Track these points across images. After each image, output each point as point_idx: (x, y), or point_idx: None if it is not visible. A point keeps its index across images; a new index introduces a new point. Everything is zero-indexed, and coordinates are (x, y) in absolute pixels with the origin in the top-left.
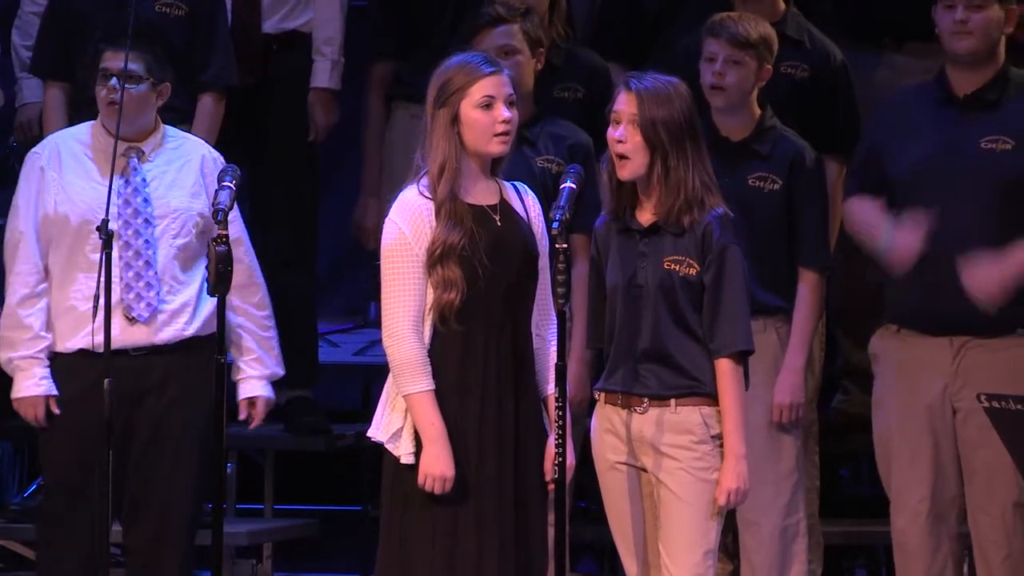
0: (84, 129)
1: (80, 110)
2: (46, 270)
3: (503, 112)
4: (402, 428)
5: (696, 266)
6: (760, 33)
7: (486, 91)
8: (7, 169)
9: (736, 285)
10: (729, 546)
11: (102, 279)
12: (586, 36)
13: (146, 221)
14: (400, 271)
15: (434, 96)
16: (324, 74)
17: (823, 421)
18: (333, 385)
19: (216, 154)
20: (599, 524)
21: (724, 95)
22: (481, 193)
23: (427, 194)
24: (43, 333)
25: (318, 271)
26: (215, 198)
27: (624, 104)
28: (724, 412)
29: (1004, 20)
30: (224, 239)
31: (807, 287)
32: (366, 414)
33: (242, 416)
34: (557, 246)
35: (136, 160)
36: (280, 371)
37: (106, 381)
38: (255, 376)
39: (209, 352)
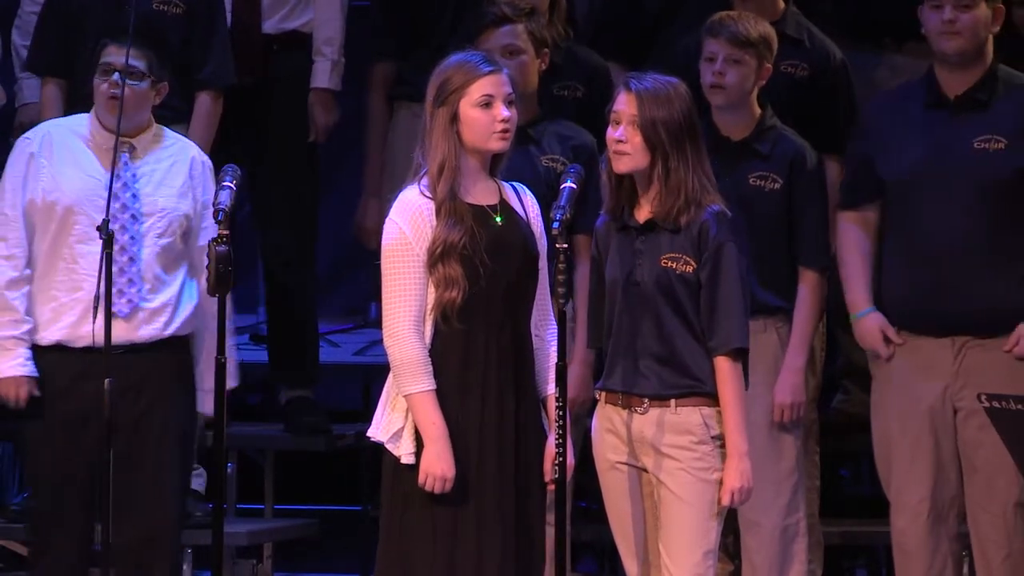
0: (79, 120)
1: (77, 107)
2: (32, 256)
3: (502, 111)
4: (402, 428)
5: (693, 263)
6: (760, 32)
7: (485, 90)
8: None
9: (732, 282)
10: (729, 546)
11: (102, 279)
12: (587, 35)
13: (133, 217)
14: (401, 271)
15: (433, 95)
16: (324, 74)
17: (823, 421)
18: (333, 385)
19: (205, 158)
20: (599, 524)
21: (724, 94)
22: (481, 193)
23: (427, 194)
24: (27, 317)
25: (318, 271)
26: (215, 198)
27: (624, 104)
28: (724, 411)
29: (992, 19)
30: (225, 239)
31: (807, 287)
32: (366, 414)
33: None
34: (557, 246)
35: (127, 156)
36: (234, 382)
37: (107, 381)
38: (202, 390)
39: (185, 352)
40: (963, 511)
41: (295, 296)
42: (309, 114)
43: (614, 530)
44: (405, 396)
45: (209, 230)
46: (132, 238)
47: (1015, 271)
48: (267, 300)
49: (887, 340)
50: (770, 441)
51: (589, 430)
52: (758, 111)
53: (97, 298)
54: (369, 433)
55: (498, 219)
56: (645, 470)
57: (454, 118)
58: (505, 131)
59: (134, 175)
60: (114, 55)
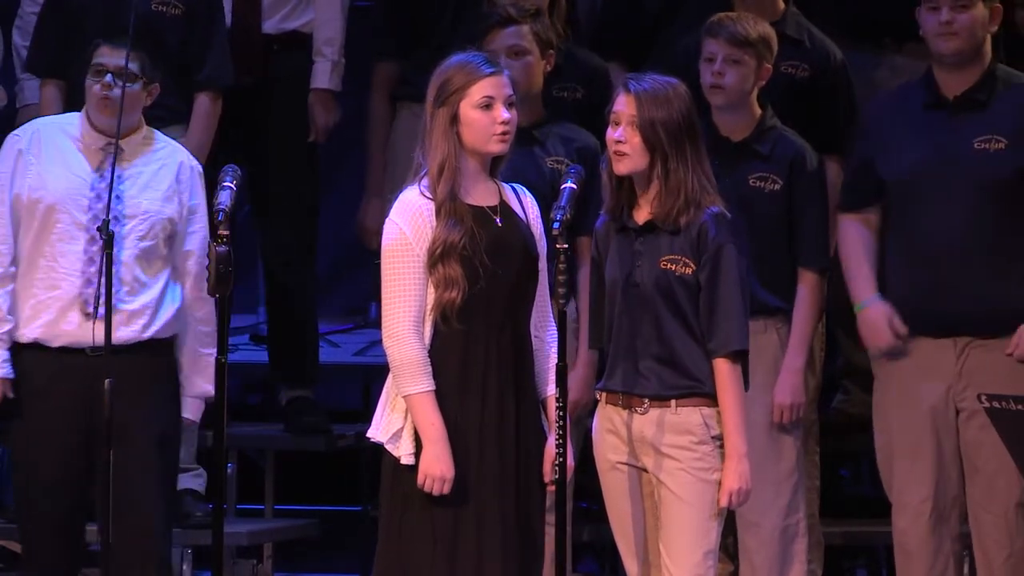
0: (70, 119)
1: (76, 108)
2: (16, 254)
3: (502, 113)
4: (402, 428)
5: (692, 265)
6: (759, 32)
7: (485, 91)
8: None
9: (732, 284)
10: (730, 547)
11: (102, 279)
12: (588, 36)
13: (115, 219)
14: (401, 271)
15: (434, 96)
16: (324, 75)
17: (823, 421)
18: (333, 385)
19: (195, 163)
20: (600, 524)
21: (723, 94)
22: (481, 194)
23: (427, 194)
24: (8, 316)
25: (318, 271)
26: (215, 198)
27: (623, 105)
28: (724, 412)
29: (989, 19)
30: (225, 239)
31: (807, 287)
32: (366, 414)
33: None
34: (558, 246)
35: (113, 157)
36: (211, 390)
37: (107, 381)
38: (187, 396)
39: (166, 355)
40: (965, 511)
41: (295, 296)
42: (309, 114)
43: (614, 530)
44: (404, 397)
45: (197, 235)
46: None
47: (1016, 271)
48: (267, 300)
49: (895, 335)
50: (770, 442)
51: (589, 430)
52: (758, 111)
53: (98, 298)
54: (369, 433)
55: (497, 220)
56: (645, 470)
57: (454, 119)
58: (505, 133)
59: (119, 177)
60: (107, 56)
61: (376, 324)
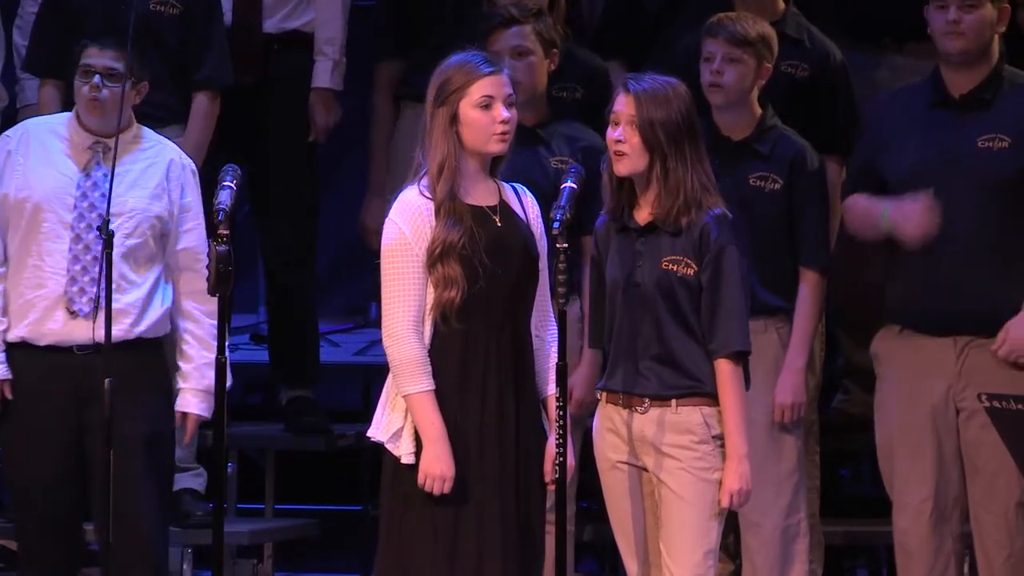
0: (60, 119)
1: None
2: (5, 254)
3: (502, 112)
4: (402, 428)
5: (694, 266)
6: (758, 32)
7: (485, 91)
8: None
9: (734, 285)
10: (730, 546)
11: (102, 280)
12: (589, 36)
13: (100, 216)
14: (400, 271)
15: (434, 95)
16: (325, 74)
17: (823, 421)
18: (333, 385)
19: (188, 161)
20: (600, 524)
21: (722, 93)
22: (481, 194)
23: (427, 194)
24: (1, 318)
25: (318, 271)
26: (215, 197)
27: (623, 105)
28: (724, 413)
29: (997, 19)
30: (225, 238)
31: (808, 287)
32: (366, 414)
33: (177, 426)
34: (558, 246)
35: (100, 156)
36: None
37: (107, 381)
38: (190, 388)
39: (155, 355)
40: (966, 511)
41: (295, 296)
42: (309, 114)
43: (615, 530)
44: (404, 396)
45: (191, 233)
46: (98, 237)
47: (1017, 270)
48: (267, 300)
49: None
50: (771, 441)
51: (590, 430)
52: (759, 111)
53: (98, 299)
54: (369, 433)
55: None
56: (646, 469)
57: (454, 118)
58: (504, 133)
59: (105, 175)
60: (94, 57)
61: (376, 324)
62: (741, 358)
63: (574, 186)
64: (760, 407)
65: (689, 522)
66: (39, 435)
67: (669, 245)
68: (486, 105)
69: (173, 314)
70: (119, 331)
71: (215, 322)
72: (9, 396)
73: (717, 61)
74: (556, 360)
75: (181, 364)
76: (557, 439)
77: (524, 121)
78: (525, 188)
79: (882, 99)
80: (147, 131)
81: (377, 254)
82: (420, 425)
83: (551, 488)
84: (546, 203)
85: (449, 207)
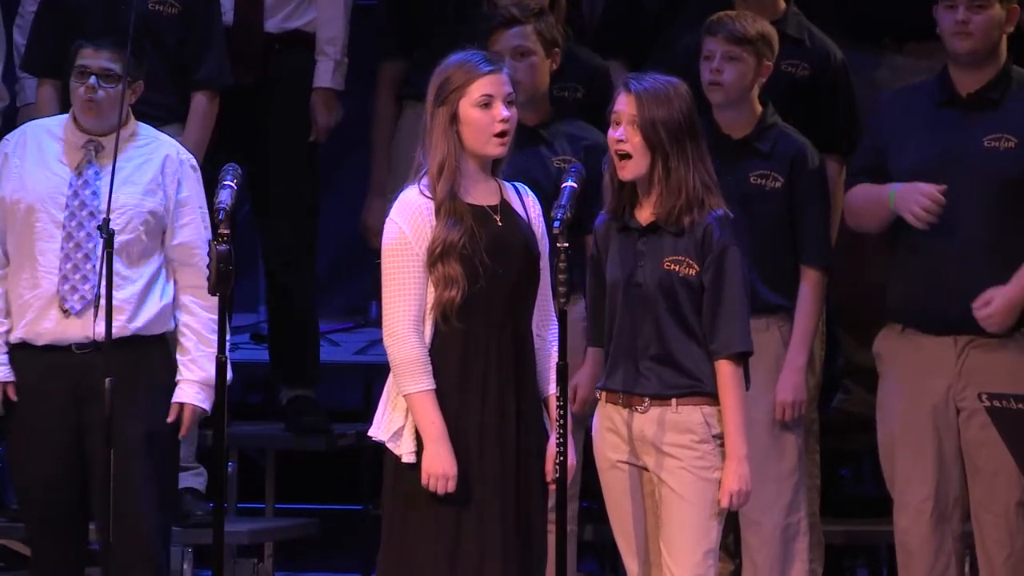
0: (57, 120)
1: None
2: (5, 256)
3: (502, 111)
4: (403, 427)
5: (696, 267)
6: (757, 30)
7: (484, 90)
8: None
9: (736, 286)
10: (730, 545)
11: (103, 279)
12: (590, 35)
13: (91, 214)
14: (400, 270)
15: (434, 95)
16: (327, 74)
17: (824, 420)
18: (334, 384)
19: (186, 156)
20: (600, 523)
21: (722, 91)
22: (481, 193)
23: (427, 193)
24: (1, 319)
25: (318, 271)
26: (216, 197)
27: (624, 105)
28: (725, 413)
29: (1005, 20)
30: (225, 238)
31: (809, 285)
32: (367, 413)
33: (170, 419)
34: (559, 245)
35: (92, 154)
36: (212, 376)
37: (107, 380)
38: (188, 380)
39: (155, 352)
40: (967, 511)
41: (295, 296)
42: (310, 114)
43: (615, 529)
44: (404, 396)
45: (188, 227)
46: (88, 235)
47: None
48: (267, 300)
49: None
50: (772, 440)
51: (590, 430)
52: (759, 109)
53: (98, 298)
54: (370, 432)
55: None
56: (646, 469)
57: (454, 118)
58: (504, 132)
59: (97, 172)
60: (89, 58)
61: (376, 323)
62: (742, 359)
63: (575, 185)
64: (761, 406)
65: (689, 521)
66: (39, 435)
67: (671, 245)
68: (486, 104)
69: (174, 309)
70: (114, 328)
71: (213, 316)
72: (14, 398)
73: (717, 59)
74: (557, 360)
75: (179, 357)
76: (558, 438)
77: (526, 121)
78: (527, 187)
79: (889, 96)
80: (144, 127)
81: (378, 253)
82: (420, 425)
83: (553, 488)
84: (548, 203)
85: (449, 207)
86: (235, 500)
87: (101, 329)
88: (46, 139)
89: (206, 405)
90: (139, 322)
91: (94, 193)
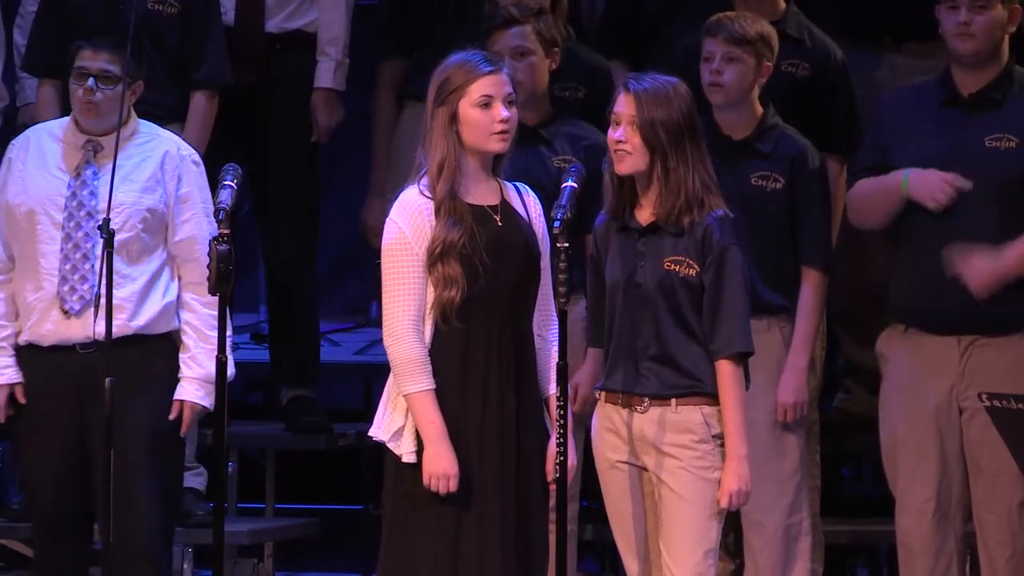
0: (60, 123)
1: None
2: (11, 259)
3: (502, 111)
4: (403, 427)
5: (696, 267)
6: (757, 31)
7: (484, 90)
8: None
9: (736, 286)
10: (730, 545)
11: (103, 279)
12: (591, 35)
13: (88, 214)
14: (400, 270)
15: (433, 95)
16: (328, 74)
17: (824, 420)
18: (334, 384)
19: (188, 152)
20: (600, 523)
21: (722, 92)
22: (481, 193)
23: (427, 193)
24: (5, 322)
25: (318, 271)
26: (216, 196)
27: (623, 105)
28: (725, 413)
29: (1007, 20)
30: (225, 238)
31: (810, 286)
32: (367, 413)
33: (172, 416)
34: (559, 245)
35: (90, 154)
36: (213, 373)
37: (107, 380)
38: (189, 377)
39: (158, 350)
40: (969, 511)
41: (295, 296)
42: (311, 114)
43: (614, 529)
44: (404, 396)
45: (190, 223)
46: (87, 235)
47: None
48: (268, 300)
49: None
50: (773, 441)
51: (590, 430)
52: (759, 110)
53: (99, 297)
54: (370, 432)
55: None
56: (645, 469)
57: (454, 118)
58: (504, 132)
59: (95, 172)
60: (88, 59)
61: (377, 323)
62: (742, 359)
63: (575, 185)
64: (762, 406)
65: (689, 521)
66: (44, 435)
67: (671, 246)
68: (485, 104)
69: (178, 307)
70: (115, 326)
71: (214, 312)
72: (21, 399)
73: (717, 60)
74: (557, 360)
75: (180, 354)
76: (558, 438)
77: (526, 121)
78: (528, 187)
79: (891, 96)
80: (146, 124)
81: (378, 253)
82: (420, 424)
83: (554, 487)
84: (548, 203)
85: (449, 206)
86: (235, 500)
87: (102, 328)
88: (48, 142)
89: (207, 402)
90: (141, 320)
91: (92, 193)
